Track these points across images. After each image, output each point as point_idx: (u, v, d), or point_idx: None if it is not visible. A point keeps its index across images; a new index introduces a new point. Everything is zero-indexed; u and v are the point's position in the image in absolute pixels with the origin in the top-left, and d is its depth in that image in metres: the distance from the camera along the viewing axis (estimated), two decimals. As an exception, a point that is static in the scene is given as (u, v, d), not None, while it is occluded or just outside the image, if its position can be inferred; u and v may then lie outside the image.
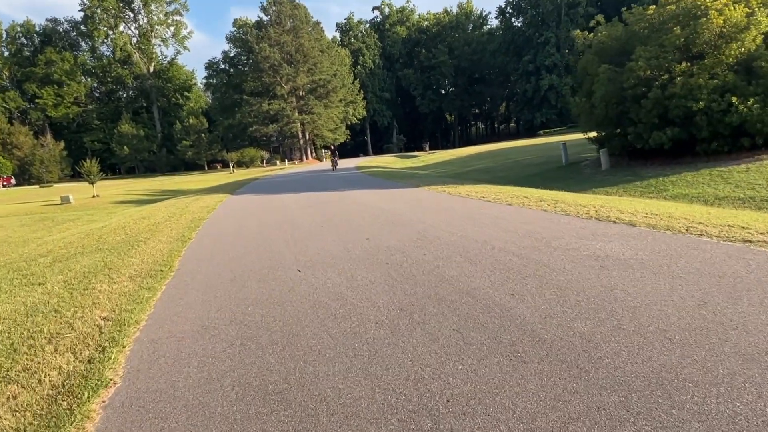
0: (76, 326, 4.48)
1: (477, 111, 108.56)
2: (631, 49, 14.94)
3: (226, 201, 16.70)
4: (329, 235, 7.96)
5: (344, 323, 3.95)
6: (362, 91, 79.39)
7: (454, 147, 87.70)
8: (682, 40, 13.69)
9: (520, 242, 6.09)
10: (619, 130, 15.85)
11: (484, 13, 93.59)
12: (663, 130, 13.66)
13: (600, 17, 18.49)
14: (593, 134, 17.95)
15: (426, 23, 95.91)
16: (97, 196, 30.38)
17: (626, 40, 15.63)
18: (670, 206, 8.52)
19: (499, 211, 8.76)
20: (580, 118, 17.77)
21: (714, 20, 13.13)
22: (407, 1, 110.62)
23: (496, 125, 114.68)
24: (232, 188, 23.15)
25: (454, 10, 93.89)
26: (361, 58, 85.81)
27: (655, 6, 15.37)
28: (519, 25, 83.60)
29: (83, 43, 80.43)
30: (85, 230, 13.24)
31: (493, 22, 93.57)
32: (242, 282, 5.60)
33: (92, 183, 31.70)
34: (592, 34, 17.69)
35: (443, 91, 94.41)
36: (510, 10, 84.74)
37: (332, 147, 34.32)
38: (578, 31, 18.53)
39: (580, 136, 39.99)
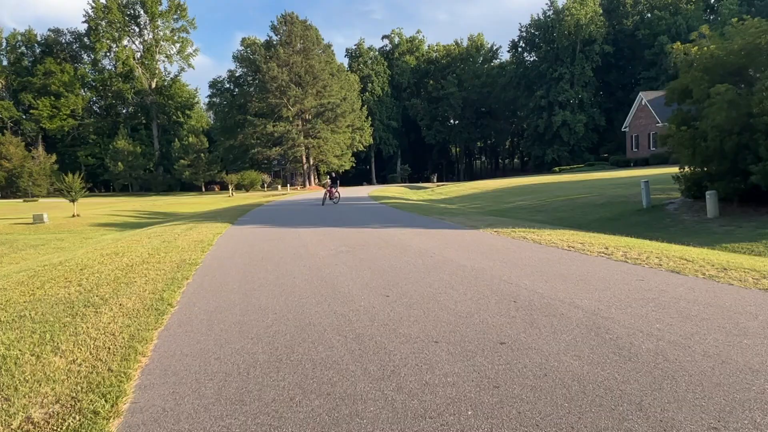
0: None
1: (481, 145, 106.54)
2: (754, 65, 11.92)
3: (226, 233, 13.25)
4: (412, 322, 4.52)
5: None
6: (369, 118, 76.80)
7: (459, 180, 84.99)
8: (844, 53, 10.68)
9: None
10: (724, 166, 12.60)
11: (494, 47, 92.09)
12: (815, 169, 10.48)
13: (705, 28, 15.57)
14: (685, 171, 14.70)
15: (435, 54, 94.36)
16: (78, 215, 26.82)
17: (746, 54, 12.60)
18: None
19: (680, 287, 5.36)
20: (677, 152, 14.51)
21: None
22: (417, 32, 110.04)
23: (500, 160, 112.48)
24: (233, 215, 19.72)
25: (465, 42, 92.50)
26: (369, 84, 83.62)
27: (787, 14, 12.44)
28: (532, 59, 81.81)
29: (85, 56, 78.05)
30: (33, 267, 9.72)
31: (504, 56, 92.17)
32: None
33: (73, 201, 28.16)
34: (695, 47, 14.65)
35: (450, 123, 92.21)
36: (523, 45, 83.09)
37: (332, 174, 28.34)
38: (678, 43, 15.57)
39: (609, 174, 36.93)
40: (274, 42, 64.10)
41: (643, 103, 50.54)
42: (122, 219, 26.67)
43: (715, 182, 13.15)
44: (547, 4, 75.52)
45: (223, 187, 64.48)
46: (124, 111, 79.92)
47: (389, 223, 13.71)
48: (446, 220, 13.86)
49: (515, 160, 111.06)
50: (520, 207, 20.68)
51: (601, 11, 72.47)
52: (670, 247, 7.86)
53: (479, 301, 5.12)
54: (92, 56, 75.90)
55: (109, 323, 4.95)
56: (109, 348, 4.19)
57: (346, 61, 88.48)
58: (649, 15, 72.67)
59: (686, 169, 14.68)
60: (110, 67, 77.04)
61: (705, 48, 13.75)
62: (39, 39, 76.39)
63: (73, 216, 26.65)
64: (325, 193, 23.59)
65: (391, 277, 6.50)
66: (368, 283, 6.25)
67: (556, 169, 61.72)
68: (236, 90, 69.83)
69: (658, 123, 47.17)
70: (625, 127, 55.64)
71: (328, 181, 24.58)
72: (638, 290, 5.23)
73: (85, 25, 72.37)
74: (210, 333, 4.57)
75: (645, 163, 46.31)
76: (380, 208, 20.24)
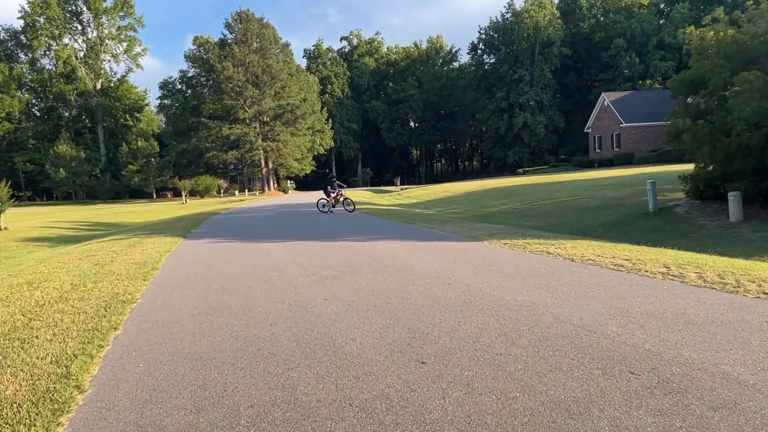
0: None
1: (441, 147, 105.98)
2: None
3: (176, 251, 11.01)
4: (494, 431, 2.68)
5: None
6: (330, 121, 74.62)
7: (420, 183, 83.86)
8: None
9: None
10: (748, 163, 11.36)
11: (454, 50, 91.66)
12: None
13: (719, 11, 14.40)
14: (698, 169, 13.44)
15: (395, 56, 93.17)
16: (6, 228, 23.63)
17: (770, 39, 11.41)
18: None
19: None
20: (693, 148, 13.18)
21: None
22: (376, 33, 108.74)
23: (459, 162, 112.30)
24: (186, 227, 17.32)
25: (424, 44, 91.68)
26: (329, 86, 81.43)
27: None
28: (491, 61, 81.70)
29: (22, 55, 72.32)
30: None
31: (464, 59, 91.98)
32: None
33: (-1, 212, 24.93)
34: (711, 32, 13.41)
35: (411, 126, 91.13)
36: (482, 47, 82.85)
37: (332, 174, 23.28)
38: (692, 27, 14.35)
39: (581, 176, 35.99)
40: (229, 41, 61.06)
41: (605, 104, 50.51)
42: (58, 232, 23.62)
43: (734, 182, 11.91)
44: (505, 6, 75.71)
45: (176, 194, 60.84)
46: (66, 114, 74.56)
47: (371, 234, 11.81)
48: (436, 229, 12.08)
49: (474, 162, 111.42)
50: (505, 212, 19.15)
51: (558, 14, 72.98)
52: (750, 265, 6.29)
53: (574, 372, 3.29)
54: (30, 55, 70.43)
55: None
56: None
57: (304, 63, 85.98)
58: (603, 19, 73.65)
59: (699, 167, 13.44)
60: (50, 67, 71.75)
61: (722, 33, 12.55)
62: (-31, 36, 70.33)
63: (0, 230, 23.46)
64: (335, 196, 19.43)
65: (411, 322, 4.61)
66: (383, 335, 4.33)
67: (520, 170, 61.23)
68: (189, 91, 66.16)
69: (622, 123, 47.18)
70: (588, 128, 55.65)
71: (335, 185, 19.70)
72: (793, 343, 3.55)
73: (22, 22, 67.11)
74: (136, 463, 2.57)
75: (609, 163, 46.02)
76: (353, 215, 18.29)
